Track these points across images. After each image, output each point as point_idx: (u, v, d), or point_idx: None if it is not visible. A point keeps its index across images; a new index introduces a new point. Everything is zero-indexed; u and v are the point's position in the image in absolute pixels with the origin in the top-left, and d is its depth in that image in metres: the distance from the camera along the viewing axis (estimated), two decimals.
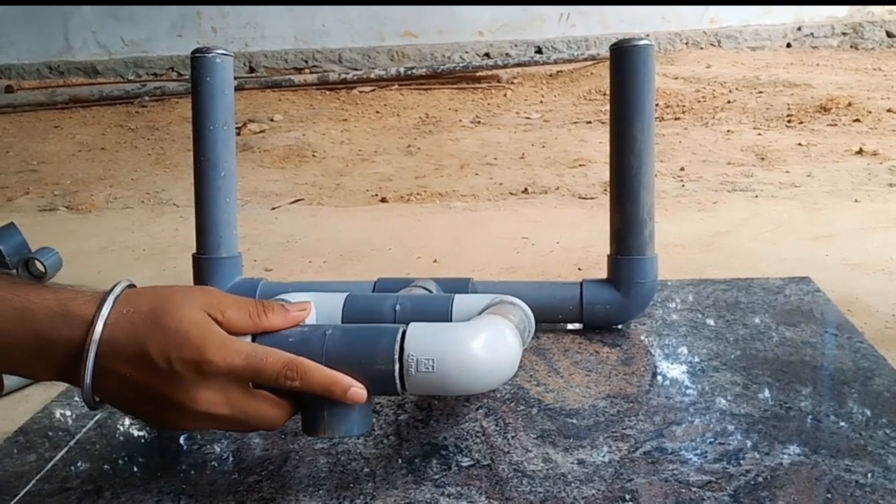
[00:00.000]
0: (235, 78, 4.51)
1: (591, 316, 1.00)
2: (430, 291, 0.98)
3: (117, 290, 0.61)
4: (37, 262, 1.56)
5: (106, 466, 0.77)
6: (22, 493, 0.73)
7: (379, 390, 0.66)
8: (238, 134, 3.27)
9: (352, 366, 0.65)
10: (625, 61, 0.93)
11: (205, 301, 0.61)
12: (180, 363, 0.58)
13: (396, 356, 0.65)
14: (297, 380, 0.60)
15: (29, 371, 0.60)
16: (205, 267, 1.05)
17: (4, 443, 0.82)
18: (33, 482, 0.75)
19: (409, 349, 0.65)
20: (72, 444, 0.81)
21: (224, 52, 1.01)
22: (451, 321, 0.86)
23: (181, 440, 0.80)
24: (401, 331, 0.66)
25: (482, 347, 0.67)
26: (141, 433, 0.83)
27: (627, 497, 0.68)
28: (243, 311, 0.63)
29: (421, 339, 0.66)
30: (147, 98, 4.11)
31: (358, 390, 0.61)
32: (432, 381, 0.65)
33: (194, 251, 1.06)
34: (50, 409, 0.88)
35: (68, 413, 0.88)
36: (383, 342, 0.66)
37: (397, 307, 0.88)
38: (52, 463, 0.78)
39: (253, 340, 0.64)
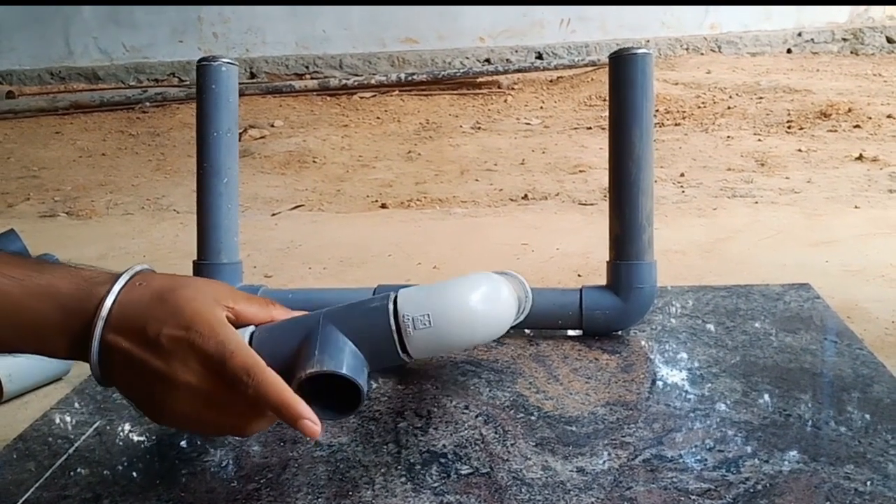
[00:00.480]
0: None
1: (591, 322, 1.00)
2: None
3: (134, 269, 0.63)
4: None
5: (105, 473, 0.77)
6: (21, 502, 0.73)
7: (383, 361, 0.67)
8: (239, 140, 3.27)
9: (350, 338, 0.66)
10: (623, 70, 0.93)
11: (218, 290, 0.63)
12: (167, 337, 0.59)
13: (392, 319, 0.66)
14: (250, 386, 0.59)
15: (52, 348, 0.61)
16: (205, 273, 1.05)
17: (3, 450, 0.82)
18: (32, 490, 0.75)
19: (403, 310, 0.66)
20: (71, 451, 0.81)
21: (230, 61, 1.02)
22: None
23: (182, 444, 0.80)
24: (392, 296, 0.67)
25: (477, 299, 0.68)
26: (140, 440, 0.83)
27: None
28: (254, 303, 0.66)
29: (413, 299, 0.67)
30: (148, 104, 4.11)
31: (310, 425, 0.59)
32: (431, 337, 0.66)
33: (195, 257, 1.06)
34: (49, 416, 0.88)
35: (67, 420, 0.88)
36: (377, 307, 0.66)
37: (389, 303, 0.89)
38: (50, 471, 0.78)
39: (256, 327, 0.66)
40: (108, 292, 0.61)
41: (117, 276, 0.62)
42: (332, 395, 0.65)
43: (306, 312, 0.69)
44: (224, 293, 0.64)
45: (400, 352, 0.67)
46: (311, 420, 0.59)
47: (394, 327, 0.66)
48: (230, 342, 0.60)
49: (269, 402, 0.59)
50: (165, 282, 0.62)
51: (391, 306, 0.66)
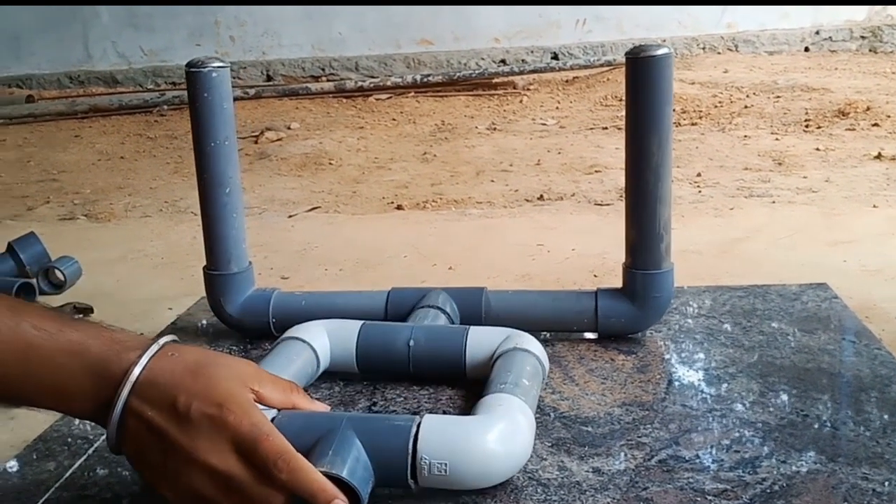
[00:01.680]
0: (253, 86, 4.54)
1: (606, 327, 1.00)
2: (443, 309, 0.99)
3: (164, 340, 0.64)
4: (57, 270, 1.57)
5: (124, 474, 0.77)
6: (41, 501, 0.74)
7: (389, 481, 0.67)
8: (255, 142, 3.28)
9: (366, 448, 0.66)
10: (641, 72, 0.92)
11: (246, 372, 0.64)
12: (198, 412, 0.59)
13: (409, 458, 0.66)
14: (284, 472, 0.59)
15: (72, 407, 0.62)
16: (217, 283, 1.05)
17: (24, 451, 0.83)
18: (52, 490, 0.76)
19: (423, 451, 0.66)
20: (90, 451, 0.82)
21: (220, 63, 0.98)
22: (464, 358, 0.88)
23: None
24: (414, 430, 0.67)
25: (495, 447, 0.69)
26: None
27: None
28: (279, 387, 0.67)
29: (434, 442, 0.66)
30: (166, 107, 4.14)
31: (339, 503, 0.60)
32: (444, 482, 0.67)
33: (205, 265, 1.06)
34: (69, 417, 0.89)
35: (87, 421, 0.89)
36: (397, 442, 0.66)
37: (411, 342, 0.89)
38: (70, 471, 0.79)
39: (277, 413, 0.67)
40: (139, 358, 0.61)
41: (149, 344, 0.62)
42: None
43: (327, 408, 0.72)
44: (251, 375, 0.64)
45: (410, 482, 0.67)
46: (342, 500, 0.59)
47: (409, 463, 0.66)
48: (264, 425, 0.60)
49: (305, 487, 0.59)
50: (198, 356, 0.63)
51: (411, 440, 0.66)
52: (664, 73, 0.92)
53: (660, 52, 0.92)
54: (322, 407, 0.71)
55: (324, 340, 0.92)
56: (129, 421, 0.60)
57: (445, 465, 0.66)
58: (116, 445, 0.61)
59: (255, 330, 1.07)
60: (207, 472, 0.59)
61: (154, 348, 0.62)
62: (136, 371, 0.60)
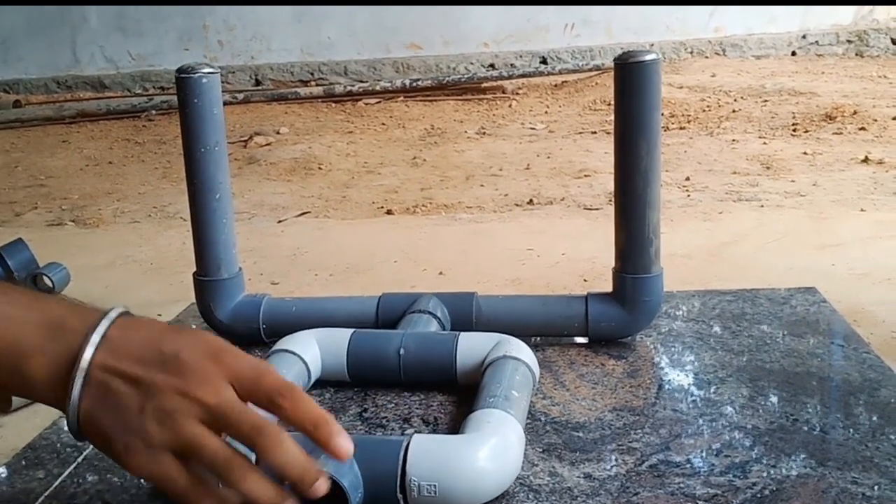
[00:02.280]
0: (241, 91, 4.54)
1: (597, 332, 1.01)
2: (434, 314, 0.99)
3: (120, 307, 0.58)
4: (45, 277, 1.56)
5: (115, 481, 0.77)
6: None
7: (378, 494, 0.67)
8: (244, 147, 3.28)
9: (357, 460, 0.66)
10: (630, 78, 0.92)
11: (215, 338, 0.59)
12: (189, 358, 0.53)
13: (398, 473, 0.66)
14: (287, 402, 0.54)
15: (26, 370, 0.54)
16: (207, 289, 1.05)
17: (12, 459, 0.82)
18: (41, 499, 0.75)
19: (412, 473, 0.66)
20: (80, 459, 0.82)
21: (210, 69, 0.98)
22: (455, 365, 0.88)
23: None
24: (402, 451, 0.67)
25: (485, 466, 0.69)
26: None
27: None
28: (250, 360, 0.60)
29: (423, 463, 0.66)
30: (154, 112, 4.13)
31: (344, 443, 0.55)
32: (434, 502, 0.67)
33: (195, 271, 1.06)
34: (58, 424, 0.89)
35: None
36: (385, 464, 0.66)
37: (402, 350, 0.89)
38: (60, 479, 0.78)
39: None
40: (107, 313, 0.55)
41: (110, 308, 0.56)
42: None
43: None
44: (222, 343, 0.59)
45: (399, 500, 0.67)
46: (345, 438, 0.55)
47: (398, 483, 0.66)
48: (263, 363, 0.56)
49: (307, 418, 0.54)
50: (165, 325, 0.58)
51: (400, 462, 0.66)
52: (652, 79, 0.92)
53: (648, 57, 0.92)
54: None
55: (314, 351, 0.92)
56: (95, 378, 0.53)
57: (435, 486, 0.67)
58: (76, 415, 0.53)
59: (245, 336, 1.06)
60: (198, 407, 0.52)
61: (119, 308, 0.56)
62: (105, 324, 0.54)
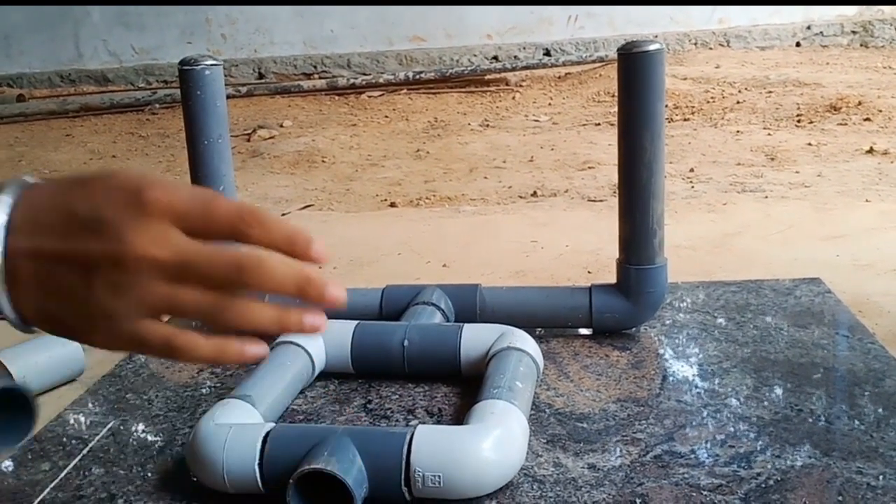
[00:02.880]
0: (244, 84, 4.53)
1: (601, 323, 1.01)
2: (438, 306, 0.99)
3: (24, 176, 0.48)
4: None
5: (120, 473, 0.77)
6: (36, 502, 0.74)
7: (383, 490, 0.67)
8: (248, 140, 3.28)
9: (361, 455, 0.67)
10: (633, 68, 0.92)
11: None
12: (111, 207, 0.44)
13: (403, 471, 0.66)
14: (255, 226, 0.44)
15: None
16: None
17: (19, 451, 0.82)
18: (47, 490, 0.75)
19: (416, 464, 0.66)
20: (85, 452, 0.82)
21: (213, 61, 0.98)
22: (459, 357, 0.88)
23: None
24: (407, 443, 0.67)
25: (489, 456, 0.69)
26: (154, 440, 0.83)
27: (638, 501, 0.68)
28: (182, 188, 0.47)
29: (427, 454, 0.67)
30: (157, 105, 4.13)
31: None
32: (439, 493, 0.67)
33: None
34: (63, 417, 0.89)
35: (82, 420, 0.88)
36: (390, 456, 0.67)
37: (406, 342, 0.89)
38: (65, 471, 0.78)
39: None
40: (2, 191, 0.45)
41: (5, 181, 0.46)
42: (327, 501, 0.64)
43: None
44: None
45: (404, 493, 0.67)
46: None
47: (403, 476, 0.66)
48: (203, 191, 0.45)
49: (282, 234, 0.45)
50: (75, 174, 0.47)
51: (404, 454, 0.67)
52: (656, 69, 0.92)
53: (652, 47, 0.92)
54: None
55: (318, 343, 0.92)
56: (18, 267, 0.45)
57: (439, 476, 0.67)
58: (13, 311, 0.46)
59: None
60: (151, 268, 0.44)
61: (13, 182, 0.46)
62: (6, 201, 0.45)
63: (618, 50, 0.94)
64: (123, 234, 0.43)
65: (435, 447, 0.68)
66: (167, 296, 0.44)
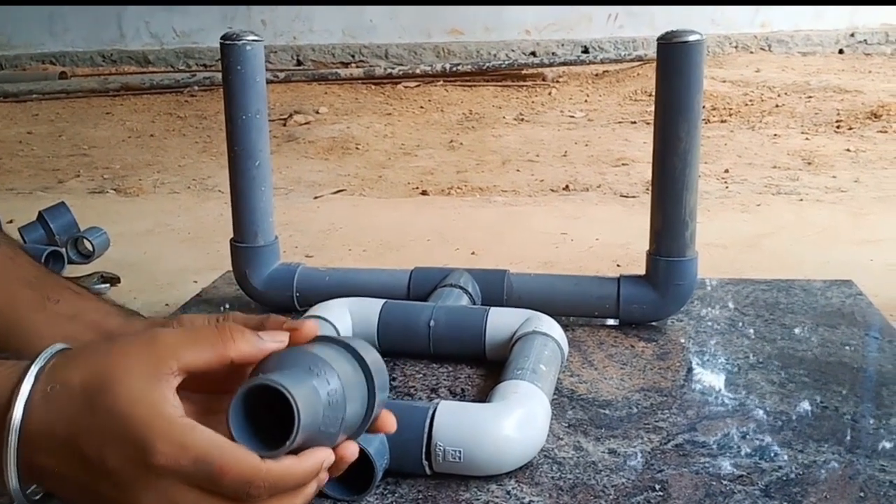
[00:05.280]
0: (282, 70, 4.57)
1: (628, 314, 1.00)
2: (465, 289, 0.99)
3: (41, 361, 0.48)
4: (85, 240, 1.59)
5: None
6: None
7: (404, 463, 0.68)
8: (284, 125, 3.30)
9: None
10: (673, 58, 0.92)
11: (151, 359, 0.47)
12: (119, 459, 0.45)
13: (424, 444, 0.67)
14: (264, 492, 0.46)
15: None
16: (243, 255, 1.07)
17: None
18: None
19: (437, 438, 0.67)
20: None
21: (255, 37, 0.99)
22: (484, 339, 0.88)
23: None
24: (429, 417, 0.67)
25: (510, 434, 0.69)
26: None
27: (657, 487, 0.68)
28: (203, 344, 0.49)
29: (449, 429, 0.67)
30: (196, 87, 4.17)
31: (330, 459, 0.49)
32: (459, 468, 0.68)
33: (232, 237, 1.07)
34: None
35: None
36: (412, 428, 0.67)
37: (432, 322, 0.90)
38: None
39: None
40: (16, 396, 0.46)
41: (24, 372, 0.47)
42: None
43: (282, 338, 0.52)
44: (161, 356, 0.47)
45: (424, 467, 0.68)
46: (328, 457, 0.49)
47: (424, 449, 0.67)
48: (210, 454, 0.45)
49: (291, 487, 0.48)
50: (86, 373, 0.47)
51: (426, 427, 0.67)
52: (695, 60, 0.92)
53: (692, 38, 0.91)
54: (270, 346, 0.51)
55: (346, 319, 0.93)
56: (34, 476, 0.48)
57: (460, 451, 0.67)
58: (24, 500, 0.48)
59: (278, 303, 1.08)
60: None
61: (28, 381, 0.47)
62: (17, 416, 0.46)
63: (657, 39, 0.93)
64: (131, 494, 0.45)
65: (457, 423, 0.68)
66: None
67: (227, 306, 1.12)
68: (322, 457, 0.48)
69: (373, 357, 0.53)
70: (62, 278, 0.62)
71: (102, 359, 0.48)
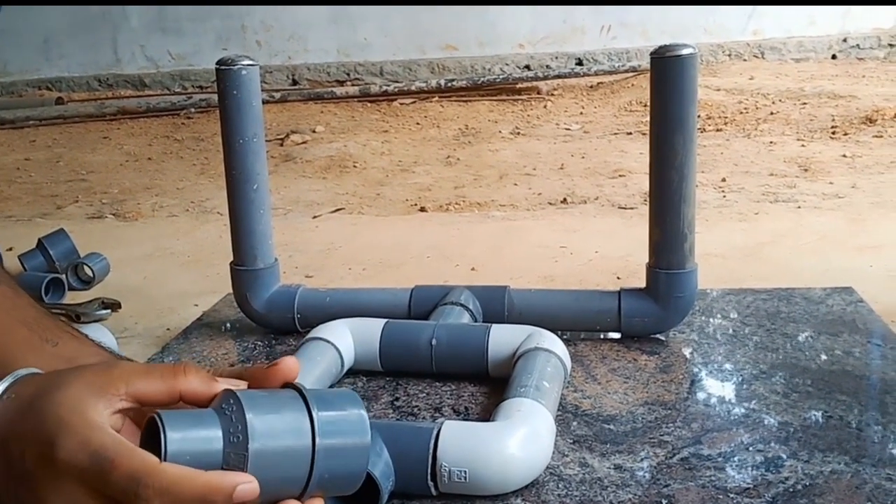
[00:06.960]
0: (278, 90, 4.58)
1: (630, 327, 1.01)
2: (466, 307, 1.00)
3: (10, 379, 0.51)
4: (85, 266, 1.59)
5: None
6: None
7: (409, 485, 0.69)
8: (281, 145, 3.31)
9: (388, 448, 0.68)
10: (666, 72, 0.93)
11: (102, 379, 0.49)
12: (32, 457, 0.47)
13: (429, 465, 0.68)
14: (153, 494, 0.45)
15: None
16: (243, 278, 1.07)
17: None
18: None
19: (442, 459, 0.68)
20: None
21: (250, 61, 0.99)
22: (487, 357, 0.89)
23: None
24: (433, 438, 0.68)
25: (514, 453, 0.69)
26: None
27: (664, 502, 0.68)
28: (154, 376, 0.50)
29: (453, 449, 0.68)
30: (192, 110, 4.18)
31: (249, 487, 0.47)
32: (464, 488, 0.68)
33: (232, 261, 1.08)
34: None
35: None
36: (416, 450, 0.68)
37: (434, 341, 0.90)
38: None
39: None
40: None
41: None
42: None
43: (237, 383, 0.52)
44: (111, 377, 0.49)
45: (430, 486, 0.69)
46: (246, 481, 0.47)
47: (429, 470, 0.68)
48: (107, 448, 0.46)
49: (188, 497, 0.45)
50: (40, 384, 0.50)
51: (431, 448, 0.68)
52: (689, 73, 0.92)
53: (685, 51, 0.92)
54: (217, 386, 0.51)
55: (347, 340, 0.93)
56: None
57: (465, 472, 0.67)
58: None
59: (280, 325, 1.08)
60: None
61: None
62: None
63: (651, 54, 0.94)
64: (39, 493, 0.46)
65: (461, 442, 0.68)
66: None
67: (228, 326, 1.12)
68: (231, 481, 0.47)
69: (334, 416, 0.52)
70: (62, 322, 0.62)
71: (58, 376, 0.50)
